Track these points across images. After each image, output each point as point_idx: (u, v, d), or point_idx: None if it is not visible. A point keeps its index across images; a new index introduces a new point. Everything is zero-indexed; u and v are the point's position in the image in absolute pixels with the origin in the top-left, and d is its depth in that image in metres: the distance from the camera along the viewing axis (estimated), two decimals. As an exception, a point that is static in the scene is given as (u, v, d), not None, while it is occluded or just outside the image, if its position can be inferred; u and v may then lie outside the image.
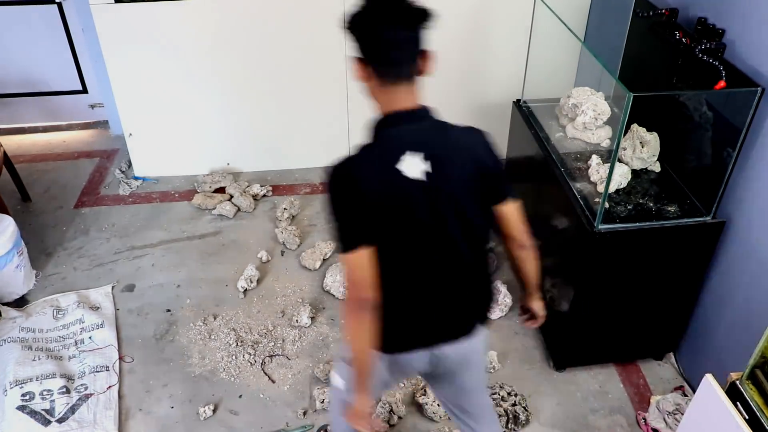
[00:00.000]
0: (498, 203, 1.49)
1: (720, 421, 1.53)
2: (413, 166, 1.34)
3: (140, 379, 2.51)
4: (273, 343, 2.64)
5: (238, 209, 3.38)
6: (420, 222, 1.39)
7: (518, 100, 2.80)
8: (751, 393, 1.53)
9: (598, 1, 2.90)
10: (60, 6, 3.67)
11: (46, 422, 2.28)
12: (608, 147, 2.52)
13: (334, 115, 3.49)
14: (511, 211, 1.50)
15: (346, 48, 2.11)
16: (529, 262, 1.62)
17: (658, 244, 2.16)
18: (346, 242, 1.36)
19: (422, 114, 1.40)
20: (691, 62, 2.09)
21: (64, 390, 2.39)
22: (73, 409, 2.34)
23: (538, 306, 1.76)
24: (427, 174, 1.35)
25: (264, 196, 3.49)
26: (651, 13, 2.37)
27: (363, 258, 1.35)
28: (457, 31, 3.26)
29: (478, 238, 1.50)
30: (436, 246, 1.42)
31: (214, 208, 3.37)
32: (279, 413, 2.37)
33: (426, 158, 1.35)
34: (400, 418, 2.33)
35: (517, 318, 2.74)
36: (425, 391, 2.35)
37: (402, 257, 1.42)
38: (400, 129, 1.37)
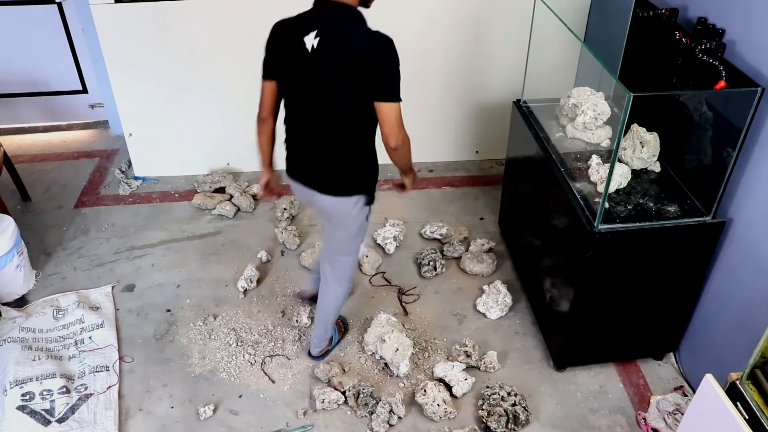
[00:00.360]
0: (375, 99, 1.82)
1: (720, 421, 1.53)
2: (309, 39, 1.81)
3: (140, 379, 2.51)
4: (273, 343, 2.64)
5: (238, 209, 3.38)
6: (301, 82, 1.87)
7: (518, 100, 2.80)
8: (751, 393, 1.53)
9: (598, 1, 2.89)
10: (60, 6, 3.67)
11: (46, 422, 2.29)
12: (608, 147, 2.52)
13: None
14: (383, 111, 1.83)
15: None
16: (397, 158, 2.00)
17: (658, 244, 2.16)
18: (263, 72, 1.97)
19: (341, 8, 1.80)
20: (691, 62, 2.09)
21: (64, 390, 2.39)
22: (73, 409, 2.34)
23: (408, 181, 2.20)
24: (314, 48, 1.80)
25: (264, 195, 3.49)
26: (651, 13, 2.37)
27: (267, 87, 1.98)
28: (457, 31, 3.26)
29: (343, 117, 1.89)
30: (306, 104, 1.92)
31: (214, 208, 3.37)
32: (279, 413, 2.37)
33: (318, 36, 1.79)
34: (400, 418, 2.33)
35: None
36: (425, 391, 2.35)
37: (288, 103, 1.99)
38: (319, 13, 1.82)
